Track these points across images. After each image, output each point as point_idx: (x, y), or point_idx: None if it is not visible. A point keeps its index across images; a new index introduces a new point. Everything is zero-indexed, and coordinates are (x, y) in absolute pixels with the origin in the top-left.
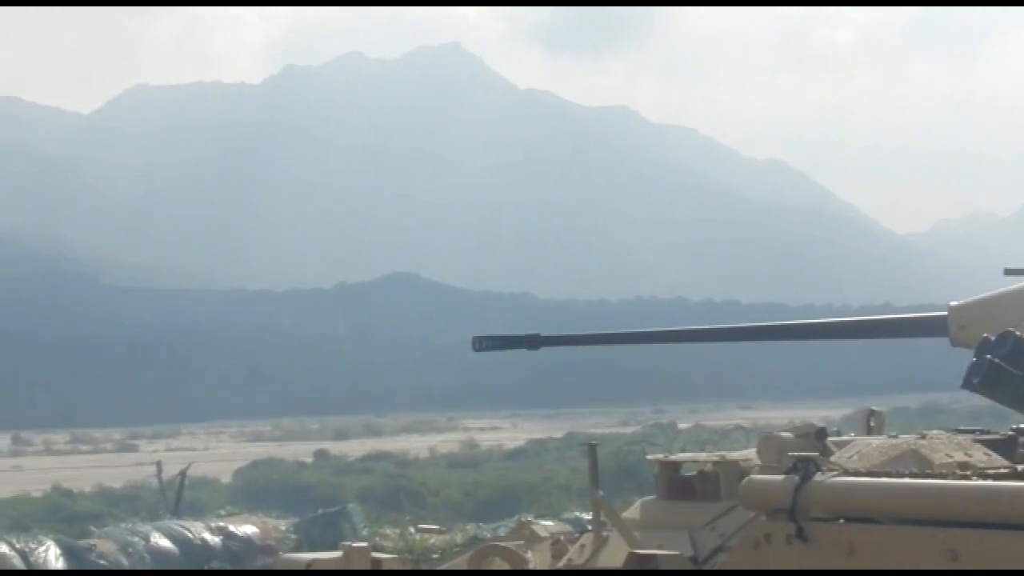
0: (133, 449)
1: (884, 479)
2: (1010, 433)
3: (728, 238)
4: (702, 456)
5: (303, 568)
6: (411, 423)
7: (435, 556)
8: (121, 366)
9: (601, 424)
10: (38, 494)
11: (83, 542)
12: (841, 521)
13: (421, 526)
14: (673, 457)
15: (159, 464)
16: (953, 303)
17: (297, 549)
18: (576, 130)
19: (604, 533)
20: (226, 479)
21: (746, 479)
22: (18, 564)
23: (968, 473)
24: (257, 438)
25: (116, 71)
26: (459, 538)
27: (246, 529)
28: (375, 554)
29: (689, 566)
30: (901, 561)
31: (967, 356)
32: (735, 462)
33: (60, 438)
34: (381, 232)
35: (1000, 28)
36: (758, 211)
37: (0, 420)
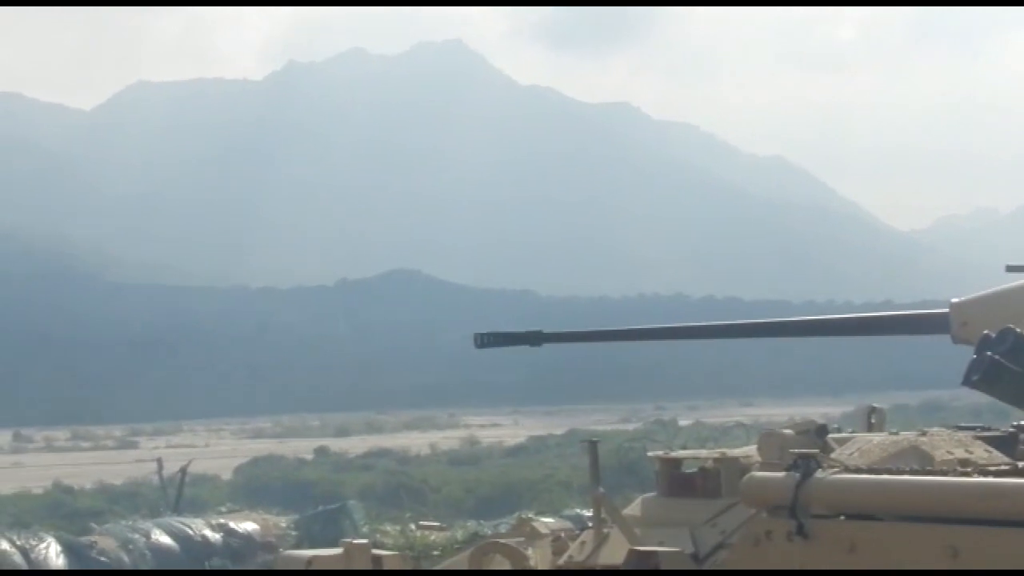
0: (134, 446)
1: (885, 476)
2: (1011, 430)
3: (729, 235)
4: (703, 453)
5: (304, 565)
6: (412, 420)
7: (436, 553)
8: (122, 363)
9: (602, 421)
10: (39, 491)
11: (84, 539)
12: (842, 518)
13: (422, 523)
14: (674, 454)
15: (160, 461)
16: (955, 300)
17: (298, 546)
18: (578, 127)
19: (605, 530)
20: (227, 476)
21: (747, 476)
22: (19, 561)
23: (969, 470)
24: (258, 435)
25: (118, 68)
26: (460, 535)
27: (247, 526)
28: (375, 551)
29: (690, 563)
30: (902, 558)
31: (967, 353)
32: (736, 459)
33: (61, 435)
34: (383, 229)
35: (1000, 28)
36: (760, 208)
37: (1, 417)
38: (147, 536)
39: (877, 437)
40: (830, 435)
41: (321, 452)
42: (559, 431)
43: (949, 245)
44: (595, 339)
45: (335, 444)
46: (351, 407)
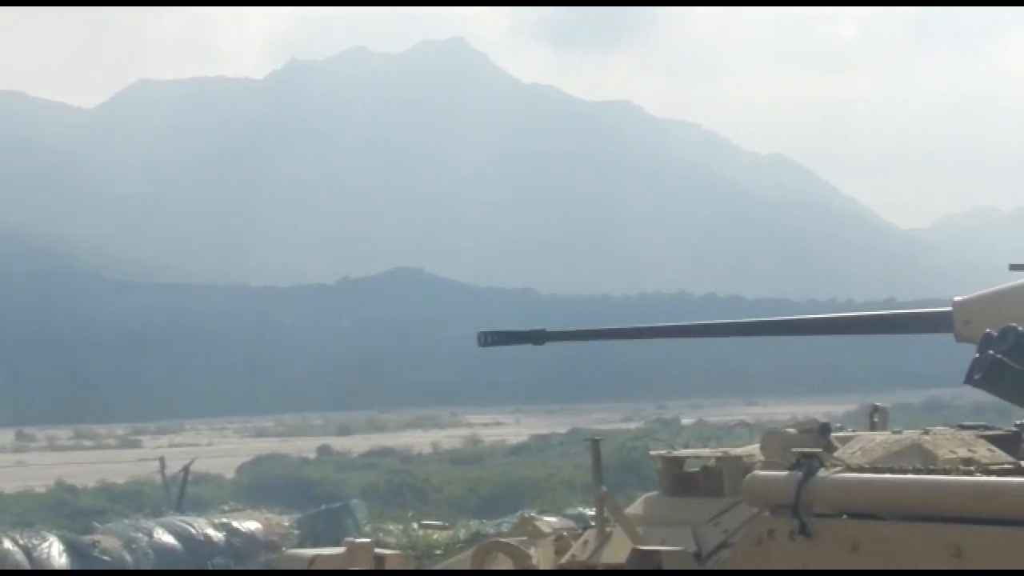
0: (136, 445)
1: (887, 475)
2: (1014, 429)
3: (731, 233)
4: (705, 452)
5: (306, 564)
6: (414, 419)
7: (438, 552)
8: (124, 362)
9: (604, 420)
10: (41, 490)
11: (86, 538)
12: (844, 517)
13: (424, 522)
14: (676, 453)
15: (162, 460)
16: (957, 298)
17: (300, 545)
18: (580, 125)
19: (607, 529)
20: (229, 475)
21: (749, 475)
22: (22, 560)
23: (972, 469)
24: (260, 434)
25: (119, 67)
26: (462, 534)
27: (249, 525)
28: (378, 550)
29: (692, 562)
30: (904, 557)
31: (970, 352)
32: (738, 458)
33: (63, 434)
34: (385, 227)
35: (1000, 28)
36: (761, 206)
37: (3, 416)
38: (150, 535)
39: (880, 436)
40: (833, 434)
41: (323, 451)
42: (562, 430)
43: (950, 244)
44: (598, 338)
45: (337, 443)
46: (353, 406)
